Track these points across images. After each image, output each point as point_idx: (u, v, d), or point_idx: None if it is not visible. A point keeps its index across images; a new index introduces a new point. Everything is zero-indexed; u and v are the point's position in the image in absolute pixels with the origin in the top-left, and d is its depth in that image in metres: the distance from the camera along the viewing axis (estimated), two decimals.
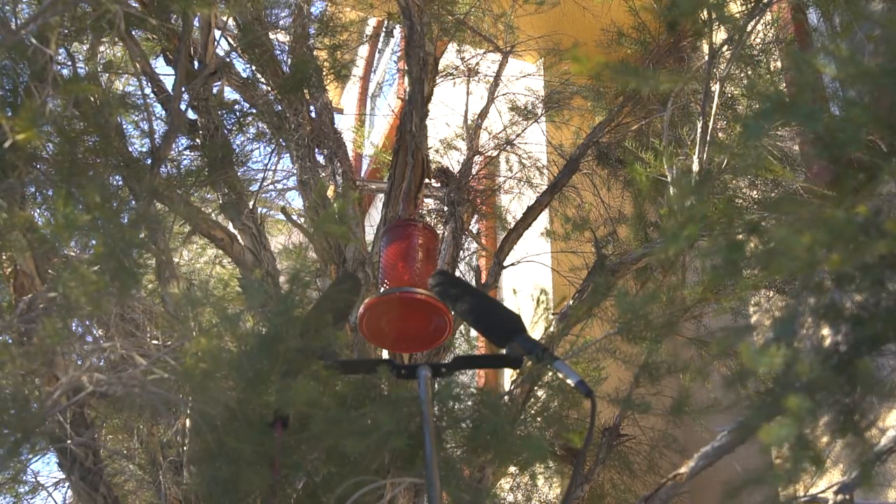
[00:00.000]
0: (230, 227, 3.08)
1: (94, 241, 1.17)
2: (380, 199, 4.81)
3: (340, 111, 8.73)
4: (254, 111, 3.33)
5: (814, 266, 0.75)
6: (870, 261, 0.76)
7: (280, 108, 3.34)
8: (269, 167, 3.48)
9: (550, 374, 1.91)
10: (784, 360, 0.81)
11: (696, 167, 2.36)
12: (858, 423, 0.90)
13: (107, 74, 2.83)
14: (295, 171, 3.39)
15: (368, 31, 7.62)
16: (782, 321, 0.86)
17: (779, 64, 3.20)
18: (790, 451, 0.89)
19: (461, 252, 3.72)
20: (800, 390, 0.83)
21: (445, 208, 3.79)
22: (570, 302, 3.02)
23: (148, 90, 2.88)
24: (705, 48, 2.42)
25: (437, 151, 4.30)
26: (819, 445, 0.90)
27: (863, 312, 0.82)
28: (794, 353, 0.83)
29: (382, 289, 1.66)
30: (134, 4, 2.70)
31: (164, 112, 2.99)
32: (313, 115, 3.43)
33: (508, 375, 3.76)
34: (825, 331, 0.89)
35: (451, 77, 4.31)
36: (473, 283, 3.75)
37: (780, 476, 0.93)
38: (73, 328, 1.46)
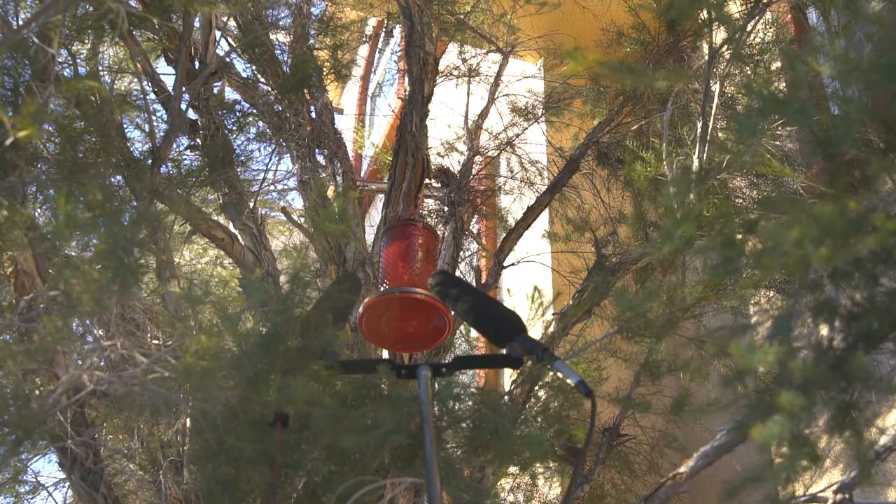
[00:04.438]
0: (231, 227, 3.09)
1: (95, 240, 1.17)
2: (380, 199, 4.81)
3: (340, 111, 8.73)
4: (254, 111, 3.34)
5: (804, 262, 0.75)
6: (862, 256, 0.76)
7: (280, 108, 3.34)
8: (269, 167, 3.49)
9: (550, 374, 1.91)
10: (778, 358, 0.81)
11: (695, 166, 2.37)
12: (857, 421, 0.90)
13: (108, 74, 2.84)
14: (295, 172, 3.40)
15: (368, 31, 7.62)
16: (777, 319, 0.86)
17: (778, 63, 3.20)
18: (788, 448, 0.89)
19: (461, 252, 3.72)
20: (795, 388, 0.83)
21: (445, 208, 3.79)
22: (570, 301, 3.02)
23: (149, 90, 2.89)
24: (705, 48, 2.43)
25: (438, 154, 4.30)
26: (818, 443, 0.90)
27: (858, 309, 0.82)
28: (789, 351, 0.83)
29: (382, 289, 1.67)
30: (135, 4, 2.71)
31: (164, 112, 3.00)
32: (313, 115, 3.44)
33: (508, 375, 3.76)
34: (824, 329, 0.90)
35: (452, 77, 4.31)
36: (473, 283, 3.75)
37: (779, 475, 0.93)
38: (74, 327, 1.47)
